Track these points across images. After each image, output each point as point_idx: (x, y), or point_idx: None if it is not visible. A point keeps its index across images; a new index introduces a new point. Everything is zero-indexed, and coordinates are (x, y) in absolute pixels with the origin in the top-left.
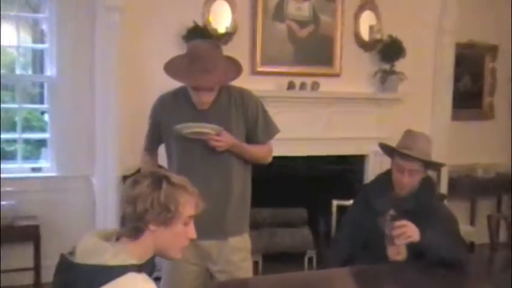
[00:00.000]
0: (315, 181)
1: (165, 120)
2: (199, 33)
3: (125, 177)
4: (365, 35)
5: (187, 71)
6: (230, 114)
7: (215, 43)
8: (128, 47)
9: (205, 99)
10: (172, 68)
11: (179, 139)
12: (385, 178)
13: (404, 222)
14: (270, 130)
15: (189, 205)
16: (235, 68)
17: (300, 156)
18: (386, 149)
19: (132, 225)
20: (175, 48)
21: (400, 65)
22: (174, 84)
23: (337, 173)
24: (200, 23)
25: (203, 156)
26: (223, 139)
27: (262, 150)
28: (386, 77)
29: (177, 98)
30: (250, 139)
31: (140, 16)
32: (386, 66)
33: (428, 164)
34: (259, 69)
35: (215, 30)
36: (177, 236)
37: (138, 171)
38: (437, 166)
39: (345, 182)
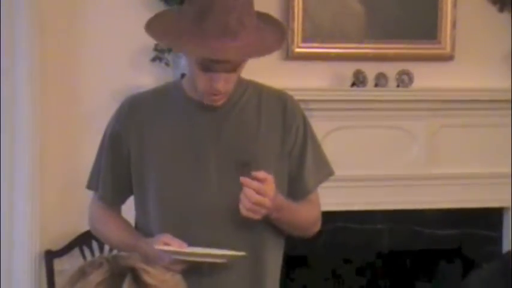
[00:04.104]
0: (406, 259)
1: (140, 145)
2: None
3: (49, 254)
4: None
5: (193, 33)
6: (258, 135)
7: None
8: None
9: (222, 87)
10: (162, 26)
11: (168, 173)
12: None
13: None
14: (321, 169)
15: None
16: (273, 29)
17: (377, 212)
18: None
19: None
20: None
21: None
22: (134, 80)
23: (449, 244)
24: None
25: (213, 216)
26: (268, 193)
27: (314, 210)
28: None
29: (163, 100)
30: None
31: None
32: None
33: None
34: (299, 49)
35: None
36: None
37: (79, 241)
38: None
39: (466, 260)
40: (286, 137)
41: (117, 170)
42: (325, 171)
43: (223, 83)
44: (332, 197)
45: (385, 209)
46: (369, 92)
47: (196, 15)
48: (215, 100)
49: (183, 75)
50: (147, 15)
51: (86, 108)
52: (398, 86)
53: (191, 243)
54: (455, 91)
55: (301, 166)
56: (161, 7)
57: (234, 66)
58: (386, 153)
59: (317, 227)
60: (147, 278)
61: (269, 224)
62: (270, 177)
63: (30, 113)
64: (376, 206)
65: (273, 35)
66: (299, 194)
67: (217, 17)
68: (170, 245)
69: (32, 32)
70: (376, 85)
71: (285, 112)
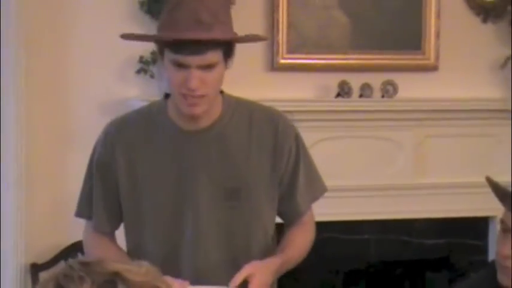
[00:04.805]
0: (394, 268)
1: (130, 172)
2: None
3: (35, 267)
4: None
5: (168, 25)
6: (249, 160)
7: None
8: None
9: (197, 85)
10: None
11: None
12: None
13: None
14: (314, 188)
15: None
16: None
17: (365, 222)
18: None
19: None
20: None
21: None
22: (120, 92)
23: (437, 253)
24: None
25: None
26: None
27: (307, 234)
28: None
29: (149, 125)
30: (279, 207)
31: None
32: None
33: None
34: (284, 60)
35: None
36: None
37: (65, 254)
38: None
39: (453, 270)
40: (278, 161)
41: (109, 199)
42: (318, 189)
43: (198, 82)
44: (319, 208)
45: (373, 219)
46: (354, 102)
47: (169, 10)
48: (192, 104)
49: (167, 96)
50: (132, 27)
51: (73, 120)
52: (383, 96)
53: (182, 271)
54: (440, 101)
55: (293, 187)
56: (146, 20)
57: (209, 63)
58: (372, 164)
59: (311, 245)
60: (134, 277)
61: (261, 253)
62: (253, 272)
63: (17, 125)
64: (363, 216)
65: (250, 36)
66: (292, 216)
67: (188, 7)
68: (172, 285)
69: (17, 44)
70: (361, 95)
71: (276, 135)
